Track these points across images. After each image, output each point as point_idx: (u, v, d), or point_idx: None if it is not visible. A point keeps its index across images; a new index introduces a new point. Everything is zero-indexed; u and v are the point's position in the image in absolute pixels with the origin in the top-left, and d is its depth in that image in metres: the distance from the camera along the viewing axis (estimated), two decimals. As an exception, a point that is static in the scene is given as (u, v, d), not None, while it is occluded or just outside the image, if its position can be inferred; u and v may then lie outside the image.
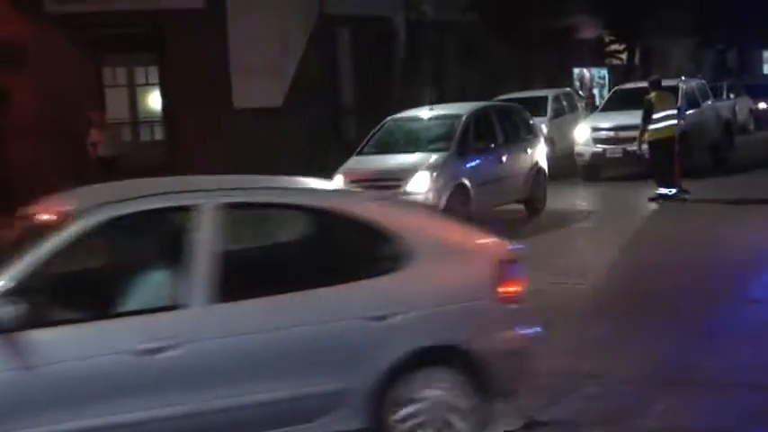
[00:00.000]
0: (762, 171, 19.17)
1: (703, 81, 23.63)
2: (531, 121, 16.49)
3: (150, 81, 20.80)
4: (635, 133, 16.85)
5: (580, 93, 31.52)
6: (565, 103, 22.90)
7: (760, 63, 49.63)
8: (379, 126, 15.35)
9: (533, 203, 15.47)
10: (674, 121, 16.53)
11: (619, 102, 20.83)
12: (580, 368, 7.06)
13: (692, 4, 30.69)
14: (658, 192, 16.27)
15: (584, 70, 37.13)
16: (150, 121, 20.92)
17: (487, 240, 5.70)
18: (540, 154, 15.95)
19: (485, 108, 15.59)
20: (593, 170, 19.92)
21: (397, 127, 15.30)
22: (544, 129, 21.09)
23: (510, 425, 5.94)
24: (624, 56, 33.08)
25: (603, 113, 20.87)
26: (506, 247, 5.67)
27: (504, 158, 14.67)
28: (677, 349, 7.49)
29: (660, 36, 34.34)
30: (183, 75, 19.93)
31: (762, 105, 33.23)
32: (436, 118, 15.20)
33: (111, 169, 16.48)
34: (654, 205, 15.81)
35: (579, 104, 23.88)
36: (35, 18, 19.24)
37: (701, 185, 16.84)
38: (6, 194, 15.40)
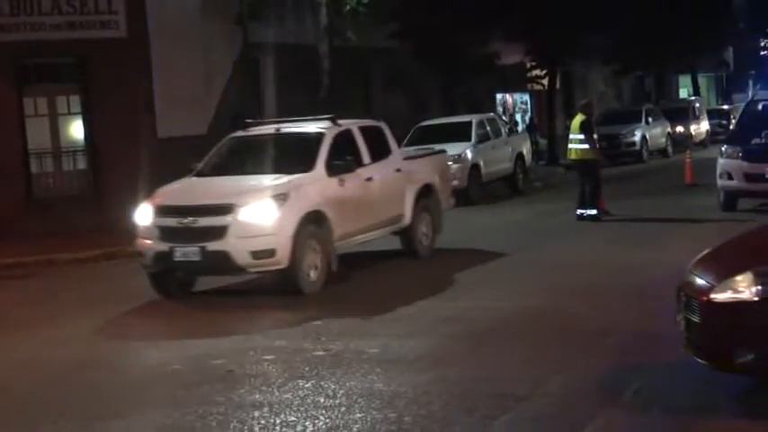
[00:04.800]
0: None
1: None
2: None
3: (72, 110, 20.52)
4: (224, 220, 10.87)
5: (504, 118, 31.95)
6: (489, 128, 23.19)
7: (676, 88, 50.96)
8: None
9: None
10: (579, 146, 16.81)
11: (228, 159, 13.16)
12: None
13: (611, 33, 31.39)
14: (577, 212, 16.69)
15: (507, 95, 37.69)
16: (73, 150, 20.63)
17: None
18: None
19: None
20: (162, 281, 11.75)
21: None
22: (469, 154, 21.44)
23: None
24: (545, 81, 33.64)
25: (192, 181, 12.68)
26: None
27: None
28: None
29: (580, 62, 35.05)
30: (107, 104, 19.73)
31: (678, 129, 34.08)
32: None
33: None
34: None
35: (503, 129, 24.22)
36: (-47, 47, 18.90)
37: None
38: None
